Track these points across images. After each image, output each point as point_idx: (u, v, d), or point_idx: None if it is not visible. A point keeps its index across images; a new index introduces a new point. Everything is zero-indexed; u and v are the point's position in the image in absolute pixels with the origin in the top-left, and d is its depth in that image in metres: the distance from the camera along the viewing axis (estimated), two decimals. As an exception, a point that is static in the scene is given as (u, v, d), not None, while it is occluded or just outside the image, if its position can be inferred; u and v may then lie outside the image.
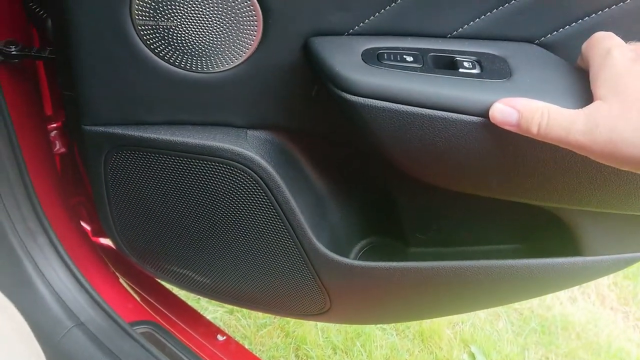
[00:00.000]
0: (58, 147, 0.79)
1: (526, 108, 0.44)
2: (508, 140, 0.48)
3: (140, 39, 0.50)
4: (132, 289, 0.94)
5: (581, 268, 0.67)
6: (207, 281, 0.72)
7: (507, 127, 0.45)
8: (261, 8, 0.49)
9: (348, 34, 0.52)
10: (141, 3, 0.48)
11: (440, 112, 0.48)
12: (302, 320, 1.53)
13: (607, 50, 0.43)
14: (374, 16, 0.50)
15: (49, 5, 0.56)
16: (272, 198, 0.60)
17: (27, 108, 0.67)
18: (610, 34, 0.46)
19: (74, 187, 0.87)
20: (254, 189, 0.59)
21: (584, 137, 0.41)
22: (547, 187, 0.53)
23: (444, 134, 0.49)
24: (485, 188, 0.56)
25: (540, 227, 0.68)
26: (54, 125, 0.77)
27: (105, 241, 1.00)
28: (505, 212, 0.67)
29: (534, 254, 0.68)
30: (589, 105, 0.42)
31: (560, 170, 0.50)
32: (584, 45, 0.47)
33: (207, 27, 0.50)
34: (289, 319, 1.55)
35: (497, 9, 0.51)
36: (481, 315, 1.73)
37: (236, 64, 0.53)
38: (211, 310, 1.54)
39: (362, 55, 0.50)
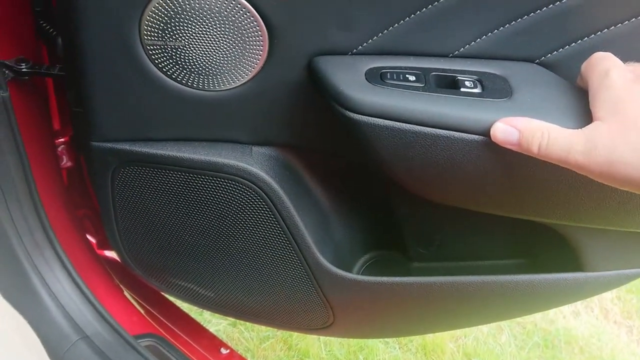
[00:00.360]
0: (65, 161, 0.80)
1: (527, 128, 0.44)
2: (509, 159, 0.49)
3: (148, 58, 0.51)
4: (136, 301, 0.95)
5: (583, 283, 0.67)
6: (212, 295, 0.73)
7: (508, 146, 0.46)
8: (267, 28, 0.50)
9: (352, 54, 0.53)
10: (150, 24, 0.49)
11: (443, 130, 0.49)
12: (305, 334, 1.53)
13: (606, 71, 0.44)
14: (377, 36, 0.52)
15: (60, 24, 0.57)
16: (277, 213, 0.61)
17: (36, 123, 0.69)
18: (609, 54, 0.46)
19: (80, 200, 0.88)
20: (258, 204, 0.60)
21: (583, 158, 0.41)
22: (548, 205, 0.54)
23: (446, 152, 0.50)
24: (487, 205, 0.56)
25: (542, 242, 0.68)
26: (62, 139, 0.78)
27: (110, 254, 1.01)
28: (507, 227, 0.67)
29: (536, 269, 0.69)
30: (588, 126, 0.43)
31: (561, 188, 0.51)
32: (583, 66, 0.48)
33: (214, 46, 0.51)
34: (291, 331, 1.55)
35: (497, 30, 0.52)
36: (484, 329, 1.73)
37: (242, 82, 0.54)
38: (214, 322, 1.54)
39: (365, 74, 0.51)
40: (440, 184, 0.54)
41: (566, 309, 1.88)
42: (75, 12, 0.49)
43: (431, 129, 0.49)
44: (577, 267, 0.66)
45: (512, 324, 1.77)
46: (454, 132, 0.48)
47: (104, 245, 0.95)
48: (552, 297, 0.71)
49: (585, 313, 1.89)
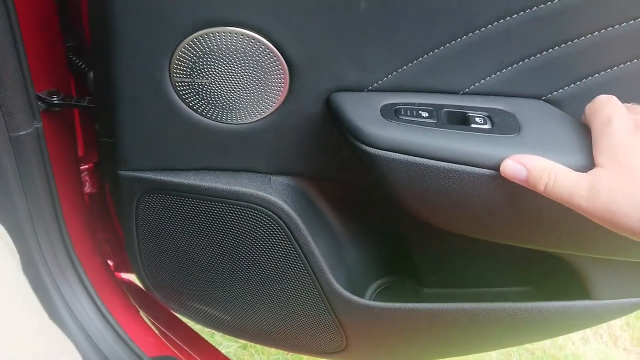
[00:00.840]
0: (88, 187, 0.83)
1: (535, 167, 0.47)
2: (518, 192, 0.51)
3: (176, 94, 0.55)
4: (151, 322, 0.97)
5: (591, 312, 0.69)
6: (228, 318, 0.75)
7: (516, 182, 0.48)
8: (288, 66, 0.53)
9: (367, 90, 0.56)
10: (179, 63, 0.52)
11: (455, 165, 0.51)
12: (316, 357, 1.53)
13: (609, 118, 0.46)
14: (392, 75, 0.54)
15: (94, 60, 0.60)
16: (294, 240, 0.63)
17: (64, 151, 0.72)
18: (613, 99, 0.48)
19: (100, 225, 0.91)
20: (276, 231, 0.63)
21: (586, 203, 0.44)
22: (556, 236, 0.56)
23: (457, 185, 0.52)
24: (497, 235, 0.59)
25: (550, 270, 0.70)
26: (86, 166, 0.81)
27: (126, 276, 1.04)
28: (516, 255, 0.69)
29: (544, 297, 0.70)
30: (591, 172, 0.45)
31: (568, 221, 0.53)
32: (587, 109, 0.50)
33: (239, 83, 0.54)
34: (302, 355, 1.56)
35: (507, 69, 0.54)
36: (493, 355, 1.72)
37: (264, 116, 0.57)
38: (225, 345, 1.55)
39: (381, 110, 0.54)
40: (452, 215, 0.56)
41: (575, 335, 1.88)
42: (110, 51, 0.52)
43: (444, 163, 0.51)
44: (585, 295, 0.68)
45: (521, 350, 1.76)
46: (466, 167, 0.51)
47: (121, 267, 0.98)
48: (560, 325, 0.72)
49: (594, 340, 1.89)
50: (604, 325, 1.92)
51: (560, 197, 0.45)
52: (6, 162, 0.61)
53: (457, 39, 0.52)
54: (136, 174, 0.61)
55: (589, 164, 0.47)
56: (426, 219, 0.58)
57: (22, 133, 0.60)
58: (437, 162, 0.51)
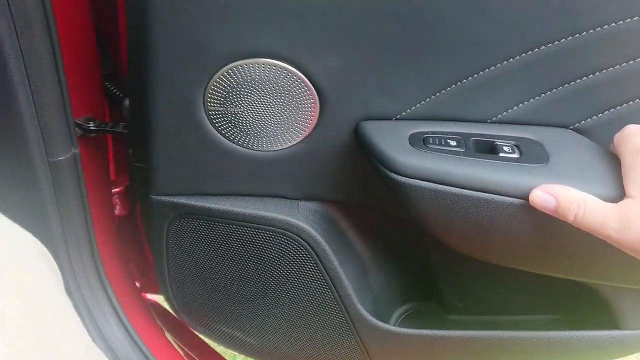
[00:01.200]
0: (118, 210, 0.85)
1: (564, 197, 0.47)
2: (547, 221, 0.51)
3: (210, 122, 0.56)
4: (176, 343, 0.98)
5: (620, 342, 0.68)
6: (253, 342, 0.75)
7: (545, 212, 0.48)
8: (318, 96, 0.55)
9: (396, 119, 0.57)
10: (214, 92, 0.54)
11: (483, 194, 0.52)
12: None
13: (638, 149, 0.46)
14: (419, 104, 0.55)
15: (130, 89, 0.62)
16: (321, 265, 0.64)
17: (97, 175, 0.74)
18: None
19: (128, 246, 0.92)
20: (304, 257, 0.64)
21: (617, 234, 0.44)
22: (585, 266, 0.56)
23: (486, 213, 0.52)
24: (526, 263, 0.59)
25: (578, 299, 0.70)
26: (117, 189, 0.83)
27: (151, 297, 1.05)
28: (543, 283, 0.69)
29: (572, 325, 0.70)
30: (622, 202, 0.45)
31: (597, 252, 0.53)
32: (615, 139, 0.50)
33: (270, 112, 0.56)
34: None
35: (534, 98, 0.55)
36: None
37: (294, 143, 0.58)
38: (246, 367, 1.55)
39: (409, 139, 0.54)
40: (480, 243, 0.56)
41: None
42: (147, 81, 0.54)
43: (472, 192, 0.52)
44: (614, 324, 0.67)
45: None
46: (495, 196, 0.51)
47: (147, 289, 0.99)
48: (588, 354, 0.71)
49: (622, 368, 1.84)
50: (633, 356, 1.87)
51: (591, 228, 0.45)
52: (45, 186, 0.63)
53: (486, 69, 0.53)
54: (168, 198, 0.63)
55: (619, 194, 0.47)
56: (454, 246, 0.58)
57: (60, 158, 0.62)
58: (465, 190, 0.52)
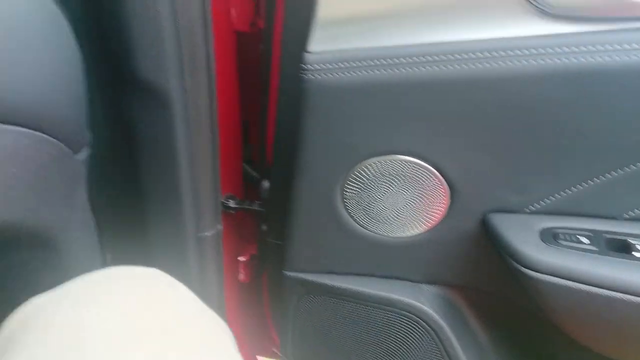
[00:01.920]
0: (242, 276, 0.92)
1: None
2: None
3: (345, 210, 0.61)
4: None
5: None
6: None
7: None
8: (449, 188, 0.58)
9: (524, 212, 0.58)
10: (351, 183, 0.59)
11: (617, 293, 0.52)
12: None
13: None
14: (549, 199, 0.57)
15: (273, 173, 0.69)
16: (443, 350, 0.65)
17: (232, 246, 0.81)
18: None
19: (247, 311, 0.98)
20: (426, 339, 0.66)
21: None
22: None
23: (619, 312, 0.52)
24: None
25: None
26: (242, 258, 0.90)
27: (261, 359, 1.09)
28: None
29: None
30: None
31: None
32: None
33: (403, 202, 0.60)
34: None
35: (668, 197, 0.55)
36: None
37: (422, 231, 0.61)
38: None
39: (540, 233, 0.56)
40: (613, 340, 0.56)
41: None
42: (292, 170, 0.60)
43: (606, 290, 0.52)
44: None
45: None
46: (629, 295, 0.51)
47: (258, 350, 1.04)
48: None
49: None
50: None
51: None
52: (191, 259, 0.70)
53: (618, 169, 0.54)
54: (299, 274, 0.68)
55: None
56: (584, 341, 0.58)
57: (207, 234, 0.69)
58: (599, 289, 0.52)
